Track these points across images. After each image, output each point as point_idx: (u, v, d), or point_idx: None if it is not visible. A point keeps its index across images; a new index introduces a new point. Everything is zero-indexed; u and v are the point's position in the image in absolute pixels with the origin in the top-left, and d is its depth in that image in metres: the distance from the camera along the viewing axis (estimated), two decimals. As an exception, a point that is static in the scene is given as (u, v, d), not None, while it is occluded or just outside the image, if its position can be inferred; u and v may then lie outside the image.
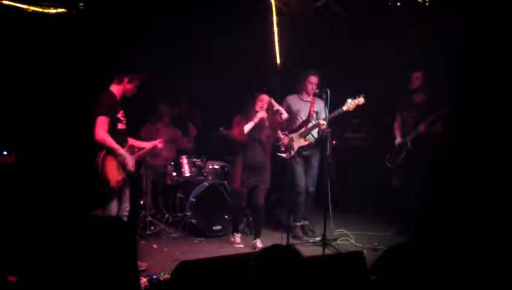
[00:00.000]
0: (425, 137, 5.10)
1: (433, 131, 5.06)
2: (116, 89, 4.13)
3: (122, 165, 4.09)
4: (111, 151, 4.00)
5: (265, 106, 4.84)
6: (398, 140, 5.27)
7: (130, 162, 4.12)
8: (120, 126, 4.13)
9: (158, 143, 4.51)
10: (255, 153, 4.90)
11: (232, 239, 5.10)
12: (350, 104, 4.97)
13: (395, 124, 5.39)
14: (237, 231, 5.13)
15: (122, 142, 4.12)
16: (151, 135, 5.43)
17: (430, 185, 5.12)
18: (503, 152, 4.68)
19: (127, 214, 4.28)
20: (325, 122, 4.92)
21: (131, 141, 4.39)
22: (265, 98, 4.85)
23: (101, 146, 3.95)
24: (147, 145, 4.52)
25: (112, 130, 4.01)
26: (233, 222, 5.19)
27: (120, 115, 4.14)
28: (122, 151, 4.07)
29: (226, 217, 5.44)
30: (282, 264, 1.62)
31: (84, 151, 4.22)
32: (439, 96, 5.19)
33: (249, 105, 4.89)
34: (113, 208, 4.09)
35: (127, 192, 4.29)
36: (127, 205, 4.27)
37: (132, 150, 4.27)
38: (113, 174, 4.01)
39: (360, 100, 4.98)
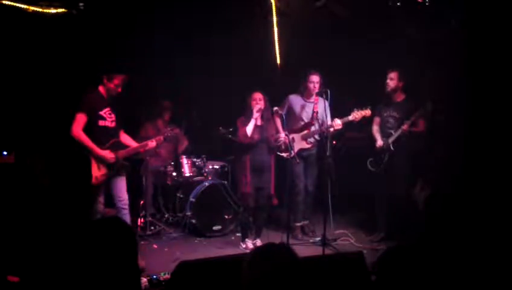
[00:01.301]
0: (408, 136, 4.93)
1: (415, 130, 4.94)
2: (101, 88, 4.31)
3: (102, 161, 4.18)
4: (86, 149, 4.12)
5: (260, 103, 4.76)
6: (379, 143, 5.10)
7: (106, 157, 4.18)
8: (102, 123, 4.23)
9: (149, 142, 4.51)
10: (261, 154, 4.82)
11: (244, 246, 4.97)
12: (356, 114, 4.91)
13: (374, 127, 5.23)
14: (248, 237, 5.01)
15: (103, 139, 4.21)
16: (152, 134, 5.41)
17: (426, 186, 5.08)
18: (504, 152, 4.67)
19: (125, 207, 4.30)
20: (340, 123, 4.89)
21: (125, 138, 4.45)
22: (257, 95, 4.78)
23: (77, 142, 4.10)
24: (138, 144, 4.53)
25: (91, 127, 4.15)
26: (243, 229, 5.06)
27: (104, 112, 4.24)
28: (95, 149, 4.15)
29: (226, 217, 5.44)
30: (275, 263, 1.60)
31: (70, 150, 4.31)
32: (423, 94, 5.11)
33: (247, 105, 4.85)
34: (98, 205, 4.21)
35: (122, 183, 4.34)
36: (122, 196, 4.30)
37: (116, 145, 4.32)
38: (92, 171, 4.13)
39: (367, 112, 4.92)
